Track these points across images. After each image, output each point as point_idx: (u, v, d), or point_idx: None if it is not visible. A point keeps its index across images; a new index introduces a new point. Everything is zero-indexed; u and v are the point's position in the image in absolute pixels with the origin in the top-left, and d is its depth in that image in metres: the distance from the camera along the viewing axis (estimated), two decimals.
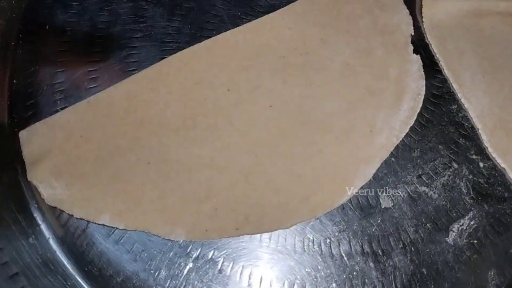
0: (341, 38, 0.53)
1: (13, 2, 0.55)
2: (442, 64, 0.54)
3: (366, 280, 0.46)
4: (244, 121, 0.50)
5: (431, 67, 0.54)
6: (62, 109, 0.51)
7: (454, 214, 0.49)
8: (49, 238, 0.48)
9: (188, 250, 0.47)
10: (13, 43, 0.55)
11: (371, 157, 0.49)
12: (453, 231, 0.48)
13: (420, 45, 0.55)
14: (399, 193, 0.49)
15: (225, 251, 0.47)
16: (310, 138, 0.50)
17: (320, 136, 0.50)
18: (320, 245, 0.47)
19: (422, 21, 0.55)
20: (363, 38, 0.53)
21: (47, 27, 0.55)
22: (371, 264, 0.47)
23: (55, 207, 0.48)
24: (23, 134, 0.50)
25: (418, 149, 0.51)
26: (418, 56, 0.53)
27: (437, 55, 0.54)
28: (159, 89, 0.52)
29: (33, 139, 0.50)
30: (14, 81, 0.53)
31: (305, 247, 0.47)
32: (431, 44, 0.55)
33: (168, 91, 0.52)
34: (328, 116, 0.50)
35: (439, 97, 0.53)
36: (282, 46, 0.53)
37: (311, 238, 0.48)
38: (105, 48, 0.54)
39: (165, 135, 0.50)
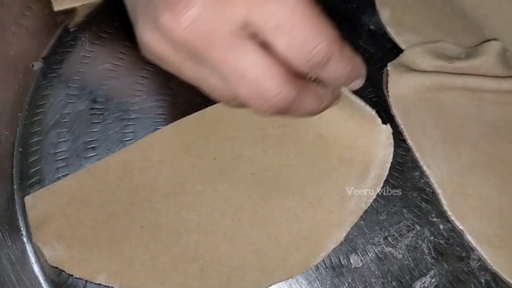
0: None
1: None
2: (406, 134, 0.60)
3: None
4: (228, 187, 0.56)
5: (396, 137, 0.60)
6: (64, 176, 0.57)
7: (417, 273, 0.54)
8: None
9: None
10: (20, 114, 0.60)
11: (341, 222, 0.55)
12: None
13: (386, 117, 0.61)
14: (367, 253, 0.55)
15: None
16: (287, 203, 0.55)
17: (296, 202, 0.55)
18: None
19: (388, 95, 0.62)
20: (335, 111, 0.59)
21: (51, 99, 0.61)
22: None
23: (57, 267, 0.52)
24: (28, 200, 0.55)
25: (385, 213, 0.56)
26: (388, 125, 0.59)
27: (401, 126, 0.60)
28: (151, 158, 0.57)
29: (38, 204, 0.55)
30: (21, 149, 0.59)
31: None
32: (396, 116, 0.61)
33: (160, 160, 0.57)
34: (303, 183, 0.56)
35: (403, 165, 0.59)
36: (262, 119, 0.59)
37: None
38: (103, 119, 0.60)
39: (156, 201, 0.55)
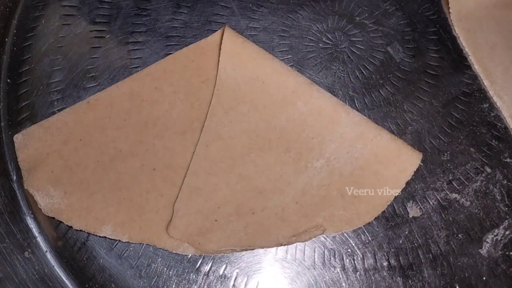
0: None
1: None
2: (472, 59, 0.49)
3: None
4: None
5: (460, 62, 0.49)
6: (59, 110, 0.47)
7: (488, 224, 0.44)
8: (46, 251, 0.44)
9: (198, 265, 0.43)
10: (6, 40, 0.50)
11: None
12: (487, 242, 0.44)
13: (447, 38, 0.50)
14: (428, 200, 0.45)
15: (238, 266, 0.43)
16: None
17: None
18: (342, 259, 0.43)
19: (449, 12, 0.51)
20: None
21: (43, 21, 0.51)
22: (399, 279, 0.43)
23: (53, 218, 0.44)
24: (18, 138, 0.46)
25: (448, 152, 0.46)
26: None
27: (466, 49, 0.50)
28: (163, 88, 0.47)
29: (29, 143, 0.46)
30: (8, 80, 0.49)
31: (325, 260, 0.43)
32: (459, 37, 0.50)
33: (174, 90, 0.47)
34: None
35: (469, 95, 0.48)
36: None
37: (332, 251, 0.43)
38: (105, 44, 0.50)
39: (170, 139, 0.46)
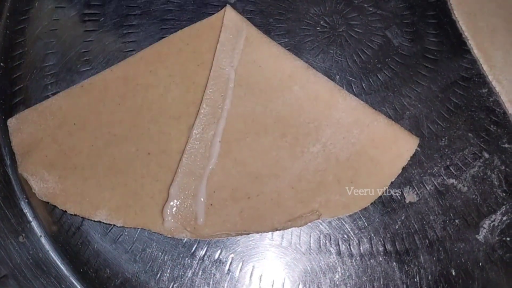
0: None
1: None
2: (471, 43, 0.49)
3: (389, 282, 0.42)
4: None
5: (459, 46, 0.49)
6: (53, 94, 0.47)
7: (485, 209, 0.44)
8: (40, 236, 0.44)
9: (193, 249, 0.43)
10: None
11: None
12: (484, 228, 0.44)
13: (446, 22, 0.49)
14: (425, 186, 0.44)
15: (233, 250, 0.43)
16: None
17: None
18: (338, 244, 0.43)
19: None
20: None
21: (36, 4, 0.50)
22: (394, 264, 0.43)
23: (47, 202, 0.43)
24: (11, 122, 0.46)
25: (446, 138, 0.46)
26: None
27: (466, 33, 0.49)
28: (158, 72, 0.47)
29: (23, 128, 0.45)
30: (1, 64, 0.48)
31: (321, 246, 0.43)
32: (458, 21, 0.50)
33: (169, 74, 0.47)
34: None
35: (468, 80, 0.48)
36: None
37: (328, 236, 0.43)
38: (99, 27, 0.49)
39: (166, 123, 0.45)
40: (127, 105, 0.46)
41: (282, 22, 0.50)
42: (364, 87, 0.48)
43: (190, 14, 0.50)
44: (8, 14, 0.50)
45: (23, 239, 0.43)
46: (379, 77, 0.48)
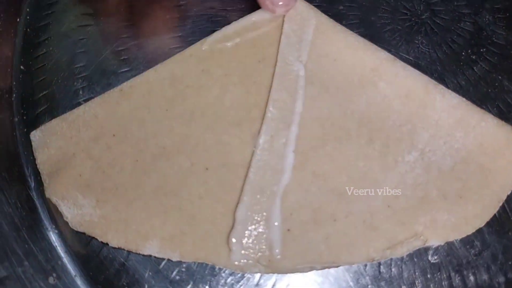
0: None
1: None
2: None
3: None
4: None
5: None
6: (86, 100, 0.39)
7: None
8: (75, 276, 0.35)
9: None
10: (19, 20, 0.42)
11: None
12: None
13: None
14: None
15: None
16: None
17: None
18: (450, 277, 0.34)
19: None
20: None
21: None
22: None
23: (83, 233, 0.35)
24: (35, 136, 0.38)
25: None
26: None
27: None
28: (212, 71, 0.39)
29: (50, 142, 0.38)
30: (22, 67, 0.40)
31: (429, 278, 0.34)
32: None
33: (224, 73, 0.39)
34: None
35: None
36: None
37: (436, 267, 0.35)
38: (139, 21, 0.41)
39: (225, 131, 0.37)
40: (177, 112, 0.38)
41: (355, 9, 0.42)
42: (459, 82, 0.40)
43: (244, 3, 0.42)
44: (28, 10, 0.43)
45: (54, 280, 0.35)
46: (475, 70, 0.40)
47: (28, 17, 0.42)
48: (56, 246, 0.36)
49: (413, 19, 0.42)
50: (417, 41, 0.41)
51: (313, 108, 0.37)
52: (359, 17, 0.42)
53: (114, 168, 0.37)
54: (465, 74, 0.40)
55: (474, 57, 0.41)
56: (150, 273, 0.35)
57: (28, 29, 0.42)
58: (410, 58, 0.40)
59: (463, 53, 0.41)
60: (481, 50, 0.41)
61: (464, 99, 0.37)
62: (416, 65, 0.40)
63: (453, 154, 0.36)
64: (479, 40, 0.41)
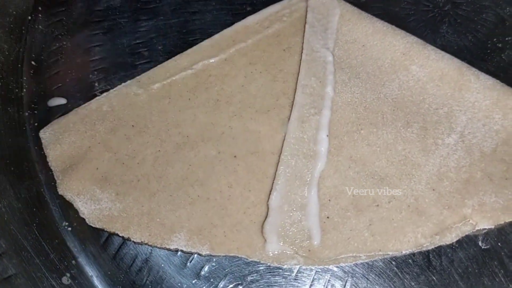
0: None
1: None
2: None
3: None
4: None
5: None
6: (101, 92, 0.36)
7: None
8: (91, 276, 0.32)
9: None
10: (30, 17, 0.40)
11: None
12: None
13: None
14: None
15: (351, 273, 0.31)
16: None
17: None
18: (503, 263, 0.32)
19: None
20: None
21: None
22: None
23: (101, 230, 0.31)
24: (45, 133, 0.36)
25: None
26: None
27: None
28: (235, 60, 0.38)
29: (62, 137, 0.36)
30: (33, 62, 0.38)
31: (480, 266, 0.31)
32: None
33: (249, 62, 0.38)
34: None
35: None
36: None
37: (488, 253, 0.32)
38: (156, 13, 0.40)
39: (252, 119, 0.35)
40: (200, 100, 0.36)
41: (377, 1, 0.41)
42: (489, 68, 0.38)
43: None
44: (39, 8, 0.41)
45: (68, 280, 0.31)
46: (503, 57, 0.39)
47: (40, 16, 0.41)
48: (70, 245, 0.32)
49: (435, 10, 0.41)
50: (442, 30, 0.40)
51: (345, 93, 0.36)
52: (382, 8, 0.41)
53: (135, 159, 0.34)
54: (494, 60, 0.39)
55: (500, 45, 0.40)
56: (176, 269, 0.31)
57: (39, 26, 0.40)
58: (438, 47, 0.39)
59: (489, 42, 0.40)
60: (507, 38, 0.40)
61: (498, 80, 0.36)
62: None
63: (493, 136, 0.34)
64: (503, 29, 0.41)
